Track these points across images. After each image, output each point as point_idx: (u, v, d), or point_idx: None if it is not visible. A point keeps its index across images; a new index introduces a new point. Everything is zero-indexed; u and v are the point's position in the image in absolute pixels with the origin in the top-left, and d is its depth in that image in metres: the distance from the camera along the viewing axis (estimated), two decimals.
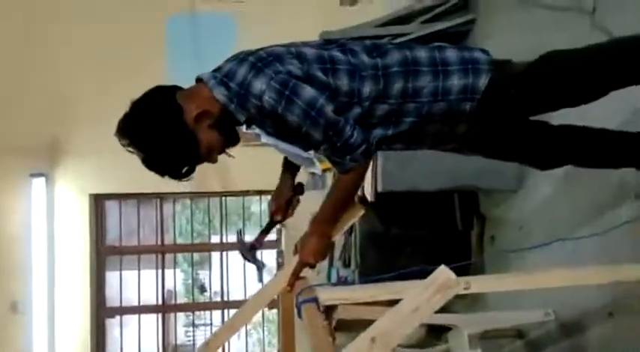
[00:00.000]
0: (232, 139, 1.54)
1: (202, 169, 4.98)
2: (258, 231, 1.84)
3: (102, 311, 4.37)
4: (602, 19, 2.34)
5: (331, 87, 1.45)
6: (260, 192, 4.47)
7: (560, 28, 2.70)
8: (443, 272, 0.82)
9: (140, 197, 4.54)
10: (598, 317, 2.37)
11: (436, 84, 1.48)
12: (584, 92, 1.55)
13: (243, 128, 1.56)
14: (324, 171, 4.23)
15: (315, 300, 1.39)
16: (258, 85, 1.40)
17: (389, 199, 3.15)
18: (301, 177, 2.07)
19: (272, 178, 4.17)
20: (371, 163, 3.16)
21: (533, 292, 2.87)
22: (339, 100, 1.46)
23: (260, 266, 1.84)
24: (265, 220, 1.88)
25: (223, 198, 4.59)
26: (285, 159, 1.83)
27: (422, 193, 3.19)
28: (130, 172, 4.13)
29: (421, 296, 0.83)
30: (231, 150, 1.56)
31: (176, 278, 5.15)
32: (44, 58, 4.18)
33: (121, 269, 4.54)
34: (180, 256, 7.16)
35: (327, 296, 1.44)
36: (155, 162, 1.47)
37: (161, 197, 4.51)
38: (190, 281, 7.74)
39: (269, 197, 4.68)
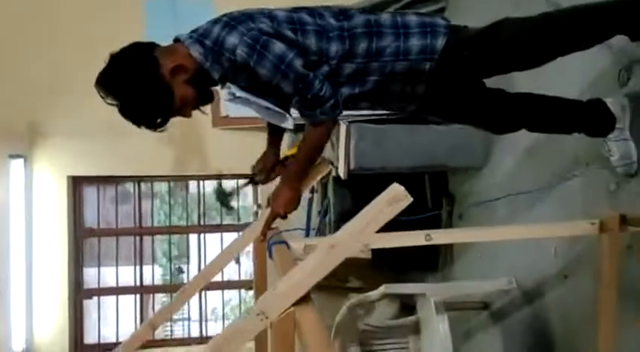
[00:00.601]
0: (206, 97, 1.64)
1: (181, 152, 5.01)
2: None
3: (80, 293, 4.42)
4: None
5: (300, 45, 1.56)
6: (237, 176, 4.56)
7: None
8: (394, 188, 0.94)
9: (119, 180, 4.59)
10: (555, 281, 2.53)
11: (398, 44, 1.60)
12: (531, 56, 1.69)
13: (219, 88, 1.66)
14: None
15: (285, 243, 1.50)
16: (232, 40, 1.50)
17: (361, 178, 3.28)
18: None
19: (251, 161, 4.28)
20: (344, 141, 3.30)
21: (498, 266, 3.04)
22: (309, 59, 1.56)
23: (229, 207, 1.92)
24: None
25: (201, 181, 4.66)
26: (270, 126, 1.92)
27: (394, 173, 3.32)
28: (109, 155, 4.26)
29: (374, 209, 0.94)
30: (205, 108, 1.66)
31: (154, 273, 5.18)
32: (23, 40, 4.21)
33: (99, 254, 4.58)
34: (159, 251, 7.21)
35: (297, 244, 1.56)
36: (131, 112, 1.55)
37: (139, 180, 4.56)
38: (169, 278, 7.81)
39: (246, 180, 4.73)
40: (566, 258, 2.46)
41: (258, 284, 1.68)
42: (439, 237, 1.74)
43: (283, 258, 1.37)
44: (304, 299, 0.99)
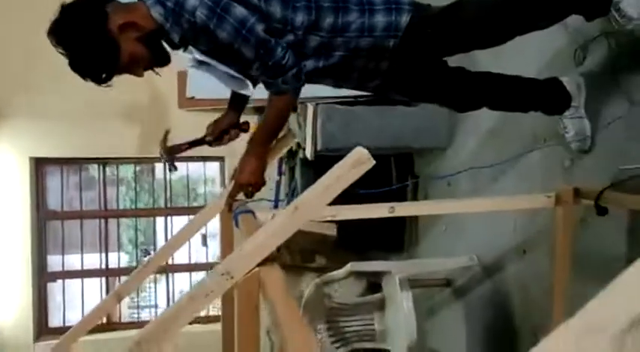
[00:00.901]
0: (161, 59, 1.62)
1: (147, 134, 4.95)
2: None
3: (43, 276, 4.36)
4: None
5: (263, 11, 1.55)
6: (204, 158, 4.54)
7: None
8: (358, 150, 0.97)
9: (83, 162, 4.52)
10: (514, 256, 2.62)
11: (362, 20, 1.62)
12: (491, 34, 1.73)
13: (181, 52, 1.65)
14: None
15: (251, 212, 1.53)
16: (192, 1, 1.49)
17: (328, 159, 3.31)
18: None
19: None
20: (312, 122, 3.32)
21: (461, 245, 3.12)
22: (272, 26, 1.56)
23: (171, 168, 1.89)
24: None
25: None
26: (233, 93, 1.91)
27: None
28: (73, 137, 4.19)
29: (338, 172, 0.97)
30: (160, 70, 1.65)
31: (120, 261, 5.12)
32: None
33: (63, 236, 4.52)
34: (125, 238, 7.10)
35: (264, 214, 1.58)
36: (77, 64, 1.54)
37: (104, 162, 4.51)
38: (135, 264, 7.71)
39: (215, 163, 4.77)
40: (524, 234, 2.55)
41: (224, 252, 1.69)
42: (402, 209, 1.79)
43: (249, 225, 1.40)
44: (269, 260, 1.01)
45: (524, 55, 2.19)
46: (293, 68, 1.56)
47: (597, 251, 2.06)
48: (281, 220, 0.99)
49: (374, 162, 0.97)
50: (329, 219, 1.63)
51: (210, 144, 1.91)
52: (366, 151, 0.96)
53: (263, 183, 1.71)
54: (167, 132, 1.95)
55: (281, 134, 1.83)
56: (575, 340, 0.36)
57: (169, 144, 1.90)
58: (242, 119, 1.96)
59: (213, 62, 1.59)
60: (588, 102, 2.04)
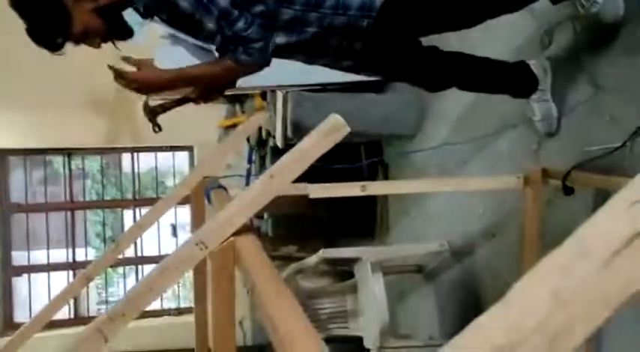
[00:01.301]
0: (120, 32, 1.60)
1: (113, 124, 4.86)
2: None
3: (8, 270, 4.25)
4: None
5: None
6: (173, 148, 4.49)
7: None
8: (332, 117, 0.97)
9: (47, 152, 4.42)
10: (483, 240, 2.66)
11: None
12: (463, 16, 1.75)
13: (147, 21, 1.62)
14: (227, 127, 4.29)
15: (222, 187, 1.51)
16: None
17: None
18: None
19: (188, 131, 4.18)
20: (282, 109, 3.30)
21: (431, 232, 3.16)
22: None
23: (155, 129, 1.82)
24: None
25: (135, 154, 4.54)
26: None
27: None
28: (36, 127, 4.08)
29: (313, 139, 0.97)
30: (120, 44, 1.62)
31: (87, 256, 5.03)
32: None
33: (27, 228, 4.41)
34: (92, 233, 6.95)
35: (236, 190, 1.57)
36: (29, 30, 1.52)
37: (69, 152, 4.41)
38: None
39: (184, 153, 4.68)
40: (493, 218, 2.59)
41: (196, 225, 1.67)
42: (374, 188, 1.80)
43: (222, 200, 1.38)
44: (245, 230, 1.01)
45: (492, 40, 2.23)
46: (259, 41, 1.53)
47: (565, 232, 2.10)
48: (256, 188, 0.98)
49: (349, 129, 0.97)
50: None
51: (194, 101, 1.83)
52: (341, 118, 0.96)
53: (149, 86, 1.63)
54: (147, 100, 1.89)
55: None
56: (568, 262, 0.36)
57: (152, 103, 1.84)
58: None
59: (180, 34, 1.57)
60: (554, 85, 2.09)
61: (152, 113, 1.79)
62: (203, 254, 0.98)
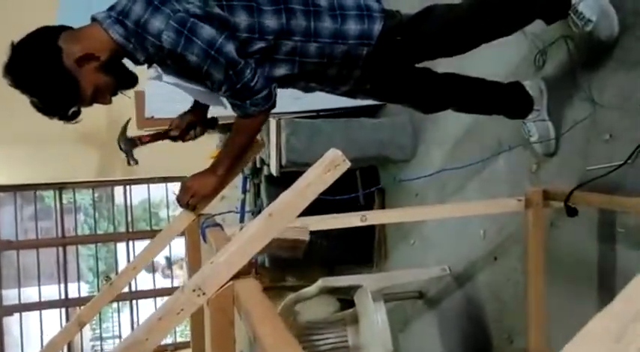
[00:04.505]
0: (127, 80, 1.55)
1: (104, 157, 4.78)
2: None
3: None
4: None
5: (230, 23, 1.49)
6: (165, 179, 4.43)
7: None
8: (332, 152, 0.93)
9: (37, 187, 4.35)
10: (485, 264, 2.61)
11: (335, 26, 1.58)
12: (457, 43, 1.73)
13: (145, 67, 1.59)
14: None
15: (219, 226, 1.46)
16: (156, 24, 1.41)
17: (294, 176, 3.26)
18: None
19: (178, 163, 4.13)
20: (275, 136, 3.27)
21: (431, 256, 3.11)
22: (241, 37, 1.50)
23: (130, 162, 1.78)
24: None
25: (127, 186, 4.48)
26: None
27: None
28: (26, 162, 4.02)
29: (312, 175, 0.93)
30: (128, 92, 1.58)
31: (80, 291, 4.92)
32: None
33: (18, 266, 4.32)
34: (84, 268, 6.82)
35: (232, 229, 1.52)
36: (39, 105, 1.45)
37: (60, 187, 4.34)
38: (96, 293, 7.43)
39: (176, 184, 4.63)
40: (494, 241, 2.54)
41: (192, 265, 1.62)
42: (374, 217, 1.75)
43: (219, 239, 1.33)
44: (244, 273, 0.96)
45: (486, 63, 2.20)
46: (263, 90, 1.51)
47: (568, 253, 2.06)
48: (255, 228, 0.93)
49: (349, 163, 0.93)
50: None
51: (174, 139, 1.81)
52: (340, 153, 0.92)
53: (208, 196, 1.65)
54: (128, 122, 1.84)
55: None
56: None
57: (130, 135, 1.80)
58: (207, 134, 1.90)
59: (182, 83, 1.53)
60: (551, 105, 2.06)
61: (129, 145, 1.75)
62: (201, 301, 0.93)
